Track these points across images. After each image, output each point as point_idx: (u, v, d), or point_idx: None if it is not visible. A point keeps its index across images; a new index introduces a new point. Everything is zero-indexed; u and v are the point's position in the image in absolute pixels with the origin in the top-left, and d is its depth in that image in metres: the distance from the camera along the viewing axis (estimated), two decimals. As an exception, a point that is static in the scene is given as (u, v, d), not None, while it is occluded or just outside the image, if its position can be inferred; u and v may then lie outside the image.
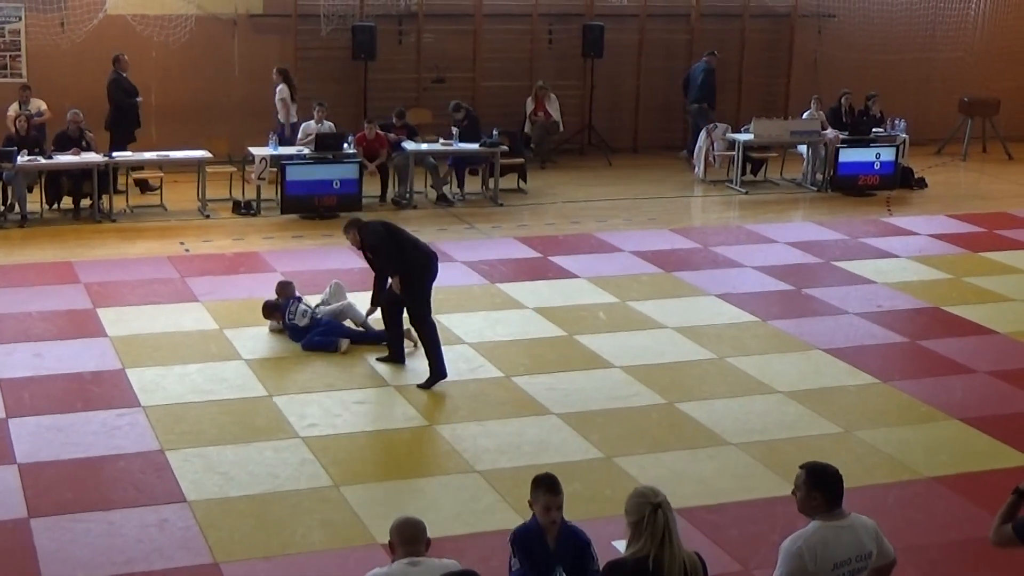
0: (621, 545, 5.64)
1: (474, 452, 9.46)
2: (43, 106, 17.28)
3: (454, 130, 17.68)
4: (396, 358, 11.16)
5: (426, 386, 10.67)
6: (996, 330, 12.64)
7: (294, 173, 16.27)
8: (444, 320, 12.30)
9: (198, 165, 16.70)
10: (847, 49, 21.76)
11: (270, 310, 11.96)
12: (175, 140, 17.48)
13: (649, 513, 5.32)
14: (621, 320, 12.58)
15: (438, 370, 10.71)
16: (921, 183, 19.47)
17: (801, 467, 5.70)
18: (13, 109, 16.85)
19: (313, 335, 11.55)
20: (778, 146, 19.60)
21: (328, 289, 12.26)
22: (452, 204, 17.39)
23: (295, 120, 17.95)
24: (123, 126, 17.56)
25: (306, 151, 16.81)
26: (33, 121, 16.60)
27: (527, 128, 19.98)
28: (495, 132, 17.75)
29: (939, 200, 18.70)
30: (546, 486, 6.11)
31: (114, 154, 16.16)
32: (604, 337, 12.00)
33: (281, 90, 17.93)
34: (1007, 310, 13.34)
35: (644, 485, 5.63)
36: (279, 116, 17.92)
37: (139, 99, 17.76)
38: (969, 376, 11.42)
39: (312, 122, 17.42)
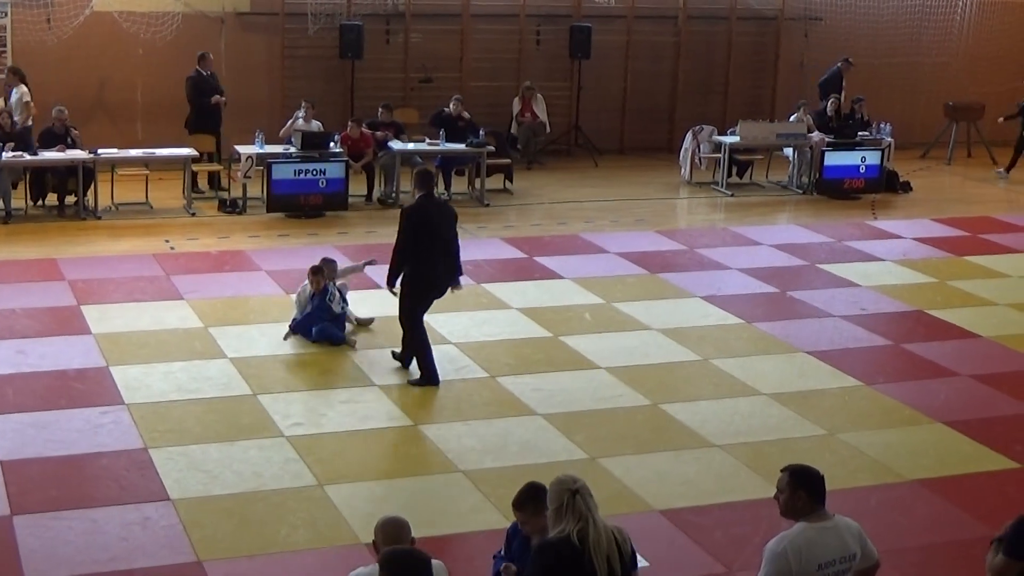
0: None
1: (459, 452, 9.46)
2: (26, 95, 17.09)
3: (445, 109, 17.82)
4: (430, 380, 10.74)
5: (415, 383, 10.72)
6: (979, 334, 12.68)
7: (280, 172, 16.25)
8: (430, 320, 12.25)
9: (184, 163, 16.69)
10: (833, 52, 21.78)
11: (317, 272, 11.75)
12: (161, 138, 17.46)
13: (568, 498, 5.45)
14: (606, 321, 12.59)
15: (429, 376, 10.69)
16: (906, 187, 19.53)
17: (783, 470, 5.72)
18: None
19: (323, 327, 11.63)
20: (764, 149, 19.65)
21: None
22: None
23: (31, 124, 16.99)
24: (199, 126, 17.49)
25: (292, 149, 16.79)
26: (17, 128, 16.42)
27: (514, 129, 20.00)
28: (482, 132, 17.76)
29: (924, 204, 18.77)
30: (514, 500, 6.06)
31: (99, 150, 16.10)
32: (589, 338, 12.00)
33: (21, 91, 17.02)
34: (990, 314, 13.39)
35: (564, 474, 5.67)
36: (15, 119, 16.63)
37: (217, 98, 17.51)
38: (952, 379, 11.45)
39: (301, 120, 17.39)
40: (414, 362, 10.89)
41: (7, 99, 17.14)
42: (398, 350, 11.14)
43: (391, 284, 10.73)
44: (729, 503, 8.80)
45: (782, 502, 5.67)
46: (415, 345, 10.79)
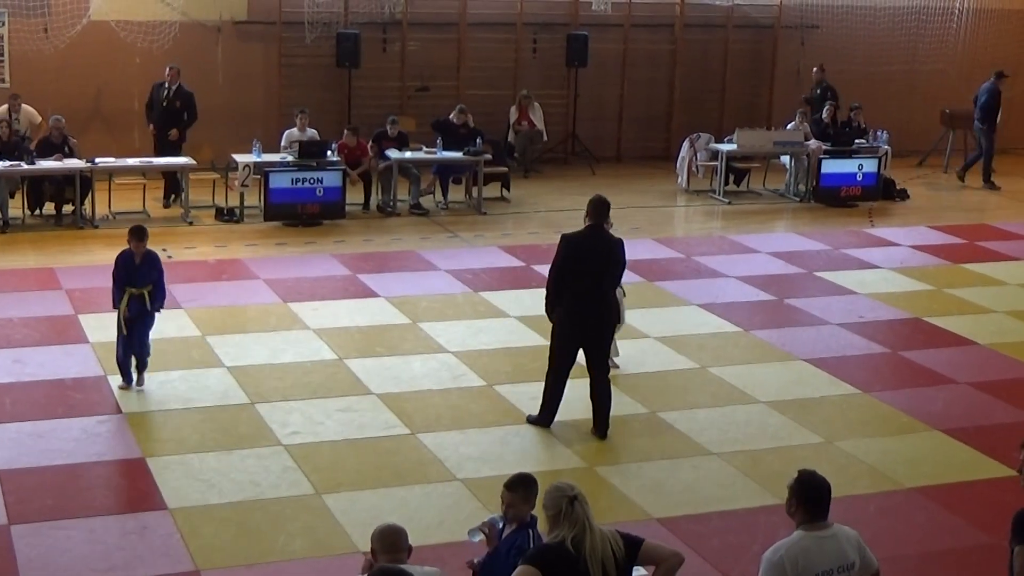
0: None
1: (456, 460, 9.46)
2: (36, 118, 17.11)
3: (439, 139, 17.71)
4: (543, 420, 10.15)
5: (531, 419, 10.22)
6: (977, 341, 12.69)
7: (277, 180, 16.25)
8: (427, 328, 12.31)
9: (181, 171, 16.67)
10: (830, 60, 21.80)
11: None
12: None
13: (566, 505, 5.48)
14: (604, 329, 12.58)
15: (545, 415, 10.10)
16: (903, 194, 19.55)
17: (800, 471, 5.70)
18: (1, 113, 16.76)
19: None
20: (761, 156, 19.66)
21: None
22: (426, 213, 17.35)
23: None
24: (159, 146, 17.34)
25: (289, 158, 16.79)
26: (18, 135, 16.40)
27: (511, 137, 20.02)
28: (479, 141, 17.77)
29: (921, 211, 18.78)
30: (507, 481, 6.09)
31: (96, 160, 16.10)
32: (587, 346, 11.99)
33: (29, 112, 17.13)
34: (988, 321, 13.39)
35: (560, 480, 5.71)
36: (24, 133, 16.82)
37: (150, 126, 17.33)
38: (950, 387, 11.46)
39: (295, 129, 17.39)
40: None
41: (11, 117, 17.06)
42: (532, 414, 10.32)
43: (548, 312, 9.97)
44: (727, 511, 8.80)
45: (787, 503, 5.67)
46: (547, 381, 10.07)
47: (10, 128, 16.22)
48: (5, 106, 16.99)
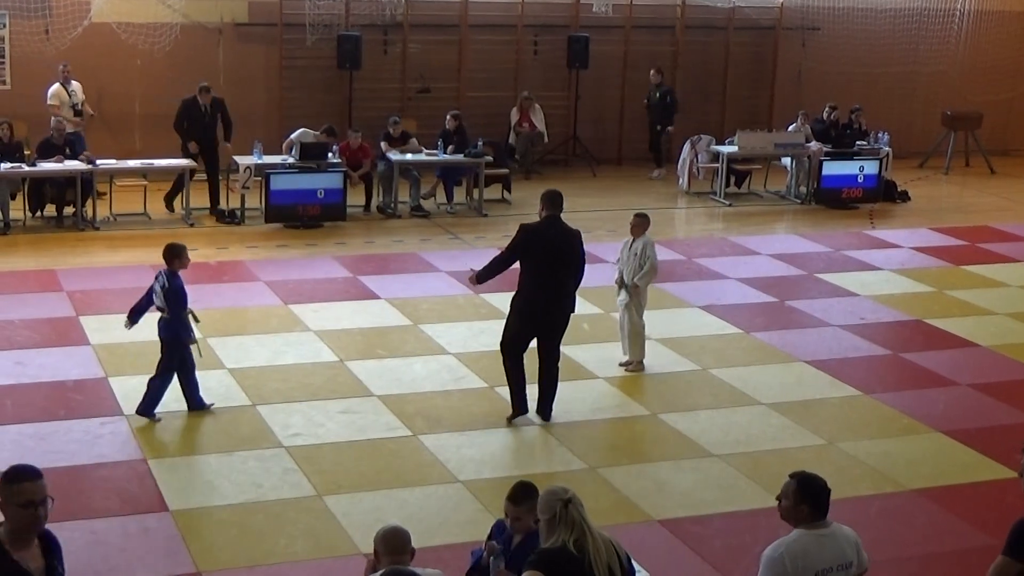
0: None
1: (458, 462, 9.46)
2: (83, 98, 17.39)
3: (439, 142, 17.71)
4: (517, 411, 10.27)
5: (512, 418, 10.26)
6: (978, 343, 12.69)
7: (278, 182, 16.25)
8: (428, 330, 12.32)
9: (182, 173, 16.67)
10: (831, 62, 21.85)
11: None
12: (159, 148, 17.44)
13: (560, 508, 5.44)
14: (605, 331, 12.58)
15: (517, 408, 10.23)
16: (904, 196, 19.56)
17: (791, 476, 5.70)
18: (60, 93, 17.09)
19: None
20: (762, 158, 19.67)
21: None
22: (427, 215, 17.35)
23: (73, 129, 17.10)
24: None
25: (291, 160, 16.78)
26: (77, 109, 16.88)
27: (512, 139, 20.02)
28: (479, 142, 17.77)
29: (922, 213, 18.79)
30: (509, 495, 6.10)
31: (97, 161, 16.10)
32: (588, 348, 12.00)
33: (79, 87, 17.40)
34: (989, 323, 13.39)
35: (553, 485, 5.70)
36: (79, 107, 17.24)
37: (193, 146, 16.78)
38: (951, 389, 11.46)
39: (311, 131, 17.23)
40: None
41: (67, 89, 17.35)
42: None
43: (477, 280, 10.30)
44: (728, 513, 8.80)
45: (783, 508, 5.67)
46: (506, 372, 10.22)
47: (10, 129, 16.20)
48: (58, 84, 17.08)
